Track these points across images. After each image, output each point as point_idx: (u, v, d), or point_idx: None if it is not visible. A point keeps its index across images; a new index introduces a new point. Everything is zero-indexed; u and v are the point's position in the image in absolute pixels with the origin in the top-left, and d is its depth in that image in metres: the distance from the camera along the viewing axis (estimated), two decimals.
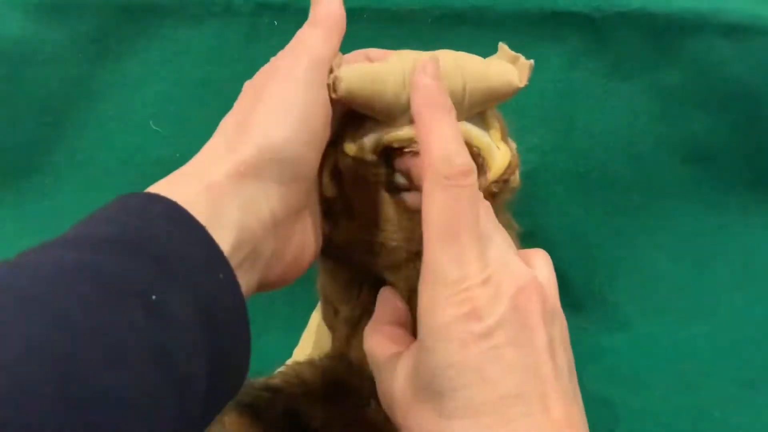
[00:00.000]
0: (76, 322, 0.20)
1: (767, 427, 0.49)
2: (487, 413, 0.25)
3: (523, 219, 0.38)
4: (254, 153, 0.28)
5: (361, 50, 0.33)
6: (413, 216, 0.31)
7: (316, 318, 0.49)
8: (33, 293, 0.20)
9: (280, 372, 0.39)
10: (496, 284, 0.26)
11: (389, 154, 0.32)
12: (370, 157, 0.32)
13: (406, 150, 0.32)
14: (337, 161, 0.32)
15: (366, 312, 0.35)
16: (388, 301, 0.33)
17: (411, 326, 0.32)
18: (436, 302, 0.26)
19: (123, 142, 0.54)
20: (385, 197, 0.33)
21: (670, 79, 0.53)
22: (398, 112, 0.31)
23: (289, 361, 0.43)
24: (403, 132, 0.31)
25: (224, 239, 0.25)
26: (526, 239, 0.37)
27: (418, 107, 0.29)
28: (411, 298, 0.32)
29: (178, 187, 0.26)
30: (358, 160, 0.32)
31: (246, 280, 0.27)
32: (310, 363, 0.39)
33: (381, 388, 0.30)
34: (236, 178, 0.27)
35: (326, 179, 0.33)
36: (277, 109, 0.29)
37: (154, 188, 0.26)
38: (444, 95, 0.29)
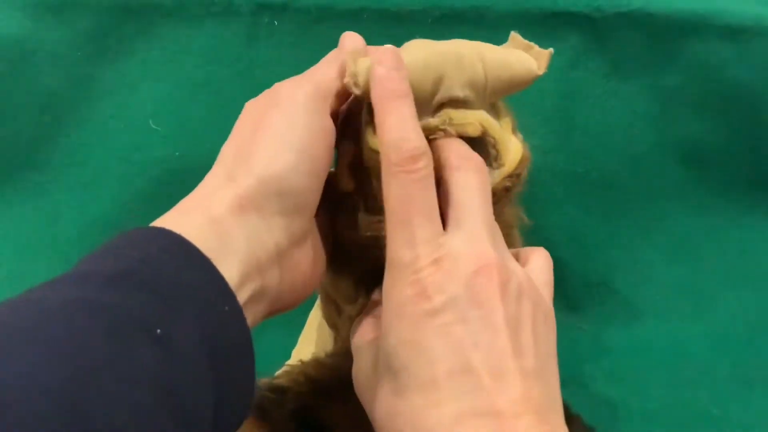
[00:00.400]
0: (82, 357, 0.20)
1: (765, 424, 0.49)
2: (436, 389, 0.25)
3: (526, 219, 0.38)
4: (255, 184, 0.27)
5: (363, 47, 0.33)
6: None
7: (314, 317, 0.49)
8: (38, 330, 0.20)
9: (284, 372, 0.39)
10: (450, 264, 0.26)
11: None
12: None
13: (431, 138, 0.31)
14: (357, 155, 0.32)
15: None
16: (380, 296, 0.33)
17: None
18: (392, 284, 0.27)
19: (122, 141, 0.54)
20: None
21: (669, 80, 0.53)
22: (420, 104, 0.30)
23: (289, 362, 0.43)
24: (425, 122, 0.31)
25: (230, 272, 0.25)
26: (524, 239, 0.37)
27: (375, 98, 0.29)
28: None
29: (183, 220, 0.26)
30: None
31: (253, 312, 0.27)
32: (315, 361, 0.39)
33: (353, 371, 0.30)
34: (238, 211, 0.27)
35: (344, 175, 0.32)
36: (278, 138, 0.28)
37: (159, 222, 0.26)
38: (401, 82, 0.29)
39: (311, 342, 0.48)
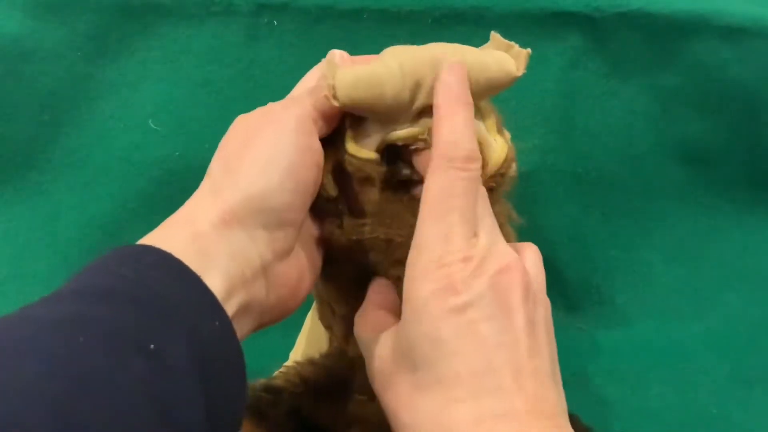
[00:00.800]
0: (75, 371, 0.20)
1: (763, 424, 0.50)
2: (458, 386, 0.25)
3: (522, 218, 0.38)
4: (239, 200, 0.28)
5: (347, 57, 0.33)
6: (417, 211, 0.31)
7: (311, 319, 0.49)
8: (33, 343, 0.20)
9: (280, 373, 0.39)
10: (479, 262, 0.27)
11: (392, 150, 0.32)
12: (374, 156, 0.32)
13: (411, 147, 0.31)
14: (339, 161, 0.32)
15: None
16: (380, 289, 0.33)
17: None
18: (418, 276, 0.27)
19: (122, 141, 0.54)
20: (390, 195, 0.33)
21: (669, 81, 0.53)
22: (400, 112, 0.31)
23: (286, 363, 0.43)
24: (406, 131, 0.31)
25: (215, 287, 0.26)
26: (524, 238, 0.37)
27: (439, 101, 0.30)
28: None
29: (168, 236, 0.27)
30: (363, 160, 0.32)
31: (240, 325, 0.27)
32: (310, 362, 0.39)
33: (367, 363, 0.30)
34: (221, 226, 0.27)
35: (328, 180, 0.32)
36: (265, 156, 0.29)
37: (147, 239, 0.27)
38: (465, 92, 0.30)
39: (309, 344, 0.48)
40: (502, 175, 0.33)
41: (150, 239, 0.26)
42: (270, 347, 0.45)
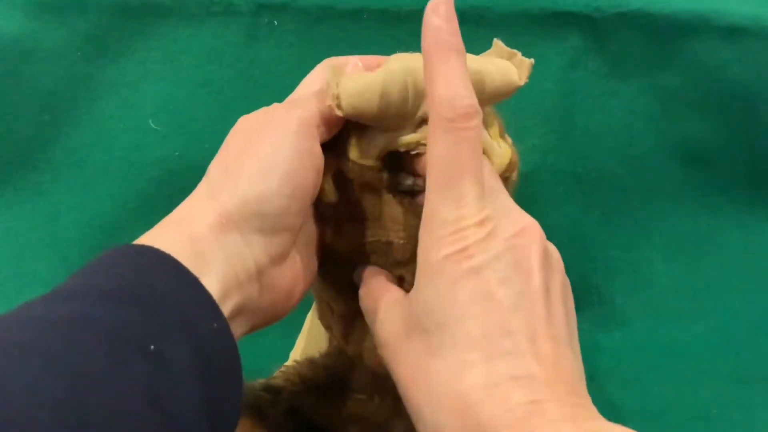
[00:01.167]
0: (76, 371, 0.20)
1: (763, 424, 0.50)
2: (472, 349, 0.25)
3: None
4: (236, 204, 0.28)
5: (351, 57, 0.33)
6: (420, 214, 0.31)
7: (310, 319, 0.49)
8: (33, 344, 0.20)
9: (279, 372, 0.39)
10: (494, 225, 0.26)
11: (394, 157, 0.32)
12: (375, 162, 0.32)
13: (413, 152, 0.31)
14: (340, 167, 0.32)
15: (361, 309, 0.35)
16: (376, 273, 0.33)
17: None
18: (431, 242, 0.26)
19: (122, 141, 0.54)
20: (391, 198, 0.33)
21: (669, 81, 0.53)
22: (404, 120, 0.31)
23: (286, 363, 0.43)
24: (409, 137, 0.31)
25: (211, 289, 0.26)
26: None
27: (427, 49, 0.28)
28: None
29: (165, 237, 0.27)
30: (365, 167, 0.32)
31: (234, 327, 0.27)
32: (309, 361, 0.39)
33: (375, 331, 0.30)
34: (218, 229, 0.27)
35: (328, 185, 0.32)
36: (264, 161, 0.28)
37: (144, 239, 0.26)
38: (455, 36, 0.28)
39: (308, 343, 0.48)
40: (506, 179, 0.32)
41: (146, 240, 0.26)
42: (269, 347, 0.45)
